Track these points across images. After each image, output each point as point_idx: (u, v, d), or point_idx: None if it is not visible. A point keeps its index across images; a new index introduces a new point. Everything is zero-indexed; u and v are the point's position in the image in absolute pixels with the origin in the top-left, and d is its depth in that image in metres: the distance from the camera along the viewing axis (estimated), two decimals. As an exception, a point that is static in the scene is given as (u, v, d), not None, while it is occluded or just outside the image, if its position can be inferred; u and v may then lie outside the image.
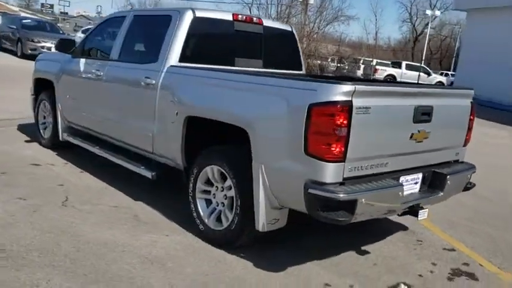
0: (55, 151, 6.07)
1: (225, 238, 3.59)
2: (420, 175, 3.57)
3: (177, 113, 3.93)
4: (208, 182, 3.79)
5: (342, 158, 2.91)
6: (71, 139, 5.69)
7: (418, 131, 3.40)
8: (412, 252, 3.98)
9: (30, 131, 6.92)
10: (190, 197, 3.88)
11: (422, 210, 3.43)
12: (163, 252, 3.52)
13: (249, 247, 3.60)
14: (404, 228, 4.48)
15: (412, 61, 44.08)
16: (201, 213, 3.80)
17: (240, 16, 4.67)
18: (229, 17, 4.60)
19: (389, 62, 36.19)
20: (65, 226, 3.81)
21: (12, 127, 7.24)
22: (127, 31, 4.84)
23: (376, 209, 3.08)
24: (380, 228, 4.39)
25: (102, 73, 4.92)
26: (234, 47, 4.71)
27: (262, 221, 3.28)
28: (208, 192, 3.81)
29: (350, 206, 2.90)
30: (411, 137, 3.36)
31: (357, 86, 2.88)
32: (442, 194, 3.62)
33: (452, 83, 30.92)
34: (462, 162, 4.06)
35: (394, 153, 3.30)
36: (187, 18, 4.25)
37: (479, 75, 19.61)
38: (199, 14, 4.32)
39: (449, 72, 39.74)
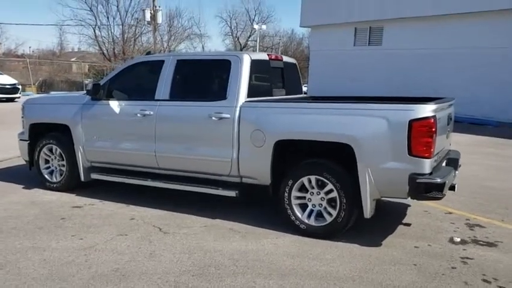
0: (72, 193, 6.20)
1: (331, 230, 4.64)
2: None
3: (264, 139, 4.82)
4: (302, 190, 4.78)
5: (432, 155, 4.27)
6: (103, 177, 5.95)
7: (448, 130, 4.97)
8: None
9: (15, 177, 6.88)
10: (286, 205, 4.82)
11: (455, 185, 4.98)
12: (293, 249, 4.41)
13: (345, 234, 4.71)
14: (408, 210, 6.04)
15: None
16: (299, 216, 4.78)
17: (272, 55, 5.71)
18: (267, 57, 5.62)
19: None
20: (195, 246, 4.41)
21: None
22: (174, 74, 5.46)
23: (447, 186, 4.50)
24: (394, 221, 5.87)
25: (152, 112, 5.43)
26: (271, 80, 5.74)
27: (369, 210, 4.45)
28: (302, 198, 4.80)
29: (441, 186, 4.27)
30: (447, 136, 4.91)
31: (437, 105, 4.29)
32: (457, 172, 5.24)
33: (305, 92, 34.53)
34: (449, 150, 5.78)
35: (441, 148, 4.79)
36: (247, 61, 5.15)
37: (328, 85, 22.72)
38: (253, 57, 5.25)
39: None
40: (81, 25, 40.98)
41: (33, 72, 34.14)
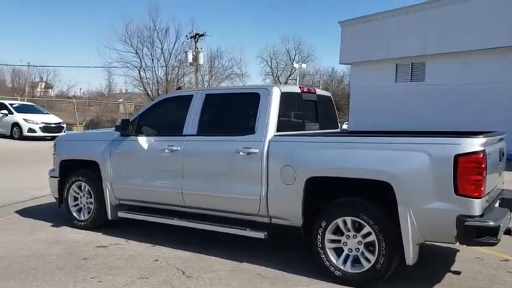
0: (99, 231, 6.01)
1: (369, 277, 4.17)
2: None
3: (295, 176, 4.49)
4: (337, 232, 4.37)
5: (483, 195, 3.79)
6: (129, 215, 5.75)
7: (500, 167, 4.46)
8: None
9: (45, 214, 6.79)
10: (319, 249, 4.40)
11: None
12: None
13: (385, 282, 4.23)
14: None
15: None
16: (334, 261, 4.34)
17: (304, 88, 5.44)
18: (298, 90, 5.35)
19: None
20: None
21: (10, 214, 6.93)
22: (202, 108, 5.27)
23: (501, 230, 3.98)
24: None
25: (179, 148, 5.23)
26: (303, 114, 5.44)
27: (411, 256, 3.97)
28: (337, 241, 4.38)
29: (495, 230, 3.76)
30: (499, 173, 4.40)
31: (486, 138, 3.84)
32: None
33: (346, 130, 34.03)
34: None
35: (493, 187, 4.29)
36: (276, 94, 4.90)
37: (368, 122, 22.18)
38: (283, 89, 5.00)
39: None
40: (127, 67, 42.45)
41: (82, 112, 35.57)
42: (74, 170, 6.28)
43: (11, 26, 71.26)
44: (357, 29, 23.28)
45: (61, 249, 5.30)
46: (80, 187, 6.23)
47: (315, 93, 5.66)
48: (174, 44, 43.33)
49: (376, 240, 4.13)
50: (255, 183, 4.73)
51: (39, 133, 18.38)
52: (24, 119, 19.00)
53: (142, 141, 5.56)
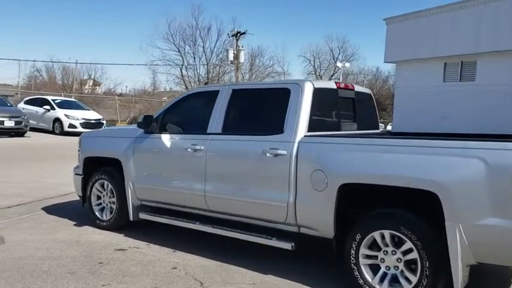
0: (120, 233, 5.73)
1: (409, 301, 3.63)
2: None
3: (327, 182, 3.99)
4: (373, 247, 3.85)
5: (550, 209, 3.18)
6: (150, 217, 5.42)
7: None
8: None
9: (70, 212, 6.56)
10: (352, 264, 3.89)
11: None
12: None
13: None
14: None
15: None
16: (369, 279, 3.82)
17: (341, 84, 4.92)
18: (334, 86, 4.84)
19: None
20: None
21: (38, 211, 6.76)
22: (228, 105, 4.86)
23: None
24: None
25: (202, 147, 4.84)
26: (339, 113, 4.93)
27: (460, 279, 3.40)
28: (373, 257, 3.86)
29: None
30: None
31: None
32: None
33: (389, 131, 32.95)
34: None
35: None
36: (309, 89, 4.42)
37: (413, 123, 21.16)
38: (316, 85, 4.51)
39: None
40: (169, 65, 42.84)
41: (127, 109, 36.20)
42: (97, 168, 6.03)
43: (61, 25, 73.69)
44: (403, 26, 22.25)
45: (78, 251, 5.02)
46: (102, 186, 5.97)
47: (353, 89, 5.13)
48: (216, 42, 43.47)
49: (418, 259, 3.58)
50: (283, 189, 4.27)
51: (80, 129, 18.60)
52: (65, 115, 19.33)
53: (166, 139, 5.22)
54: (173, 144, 5.16)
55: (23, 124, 17.83)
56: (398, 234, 3.68)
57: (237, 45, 36.06)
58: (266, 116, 4.72)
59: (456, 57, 22.28)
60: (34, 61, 56.82)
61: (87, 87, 55.62)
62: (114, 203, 5.82)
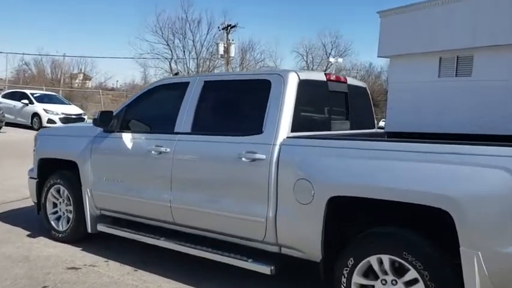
0: (78, 246, 4.98)
1: None
2: None
3: (313, 193, 3.28)
4: (368, 275, 3.14)
5: None
6: (109, 230, 4.68)
7: None
8: None
9: (28, 220, 5.79)
10: (343, 295, 3.19)
11: None
12: None
13: None
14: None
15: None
16: (363, 314, 3.12)
17: (332, 75, 4.20)
18: (323, 77, 4.11)
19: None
20: None
21: None
22: (199, 99, 4.12)
23: None
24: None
25: (168, 149, 4.11)
26: (329, 109, 4.21)
27: (478, 318, 2.71)
28: (368, 287, 3.15)
29: None
30: None
31: None
32: None
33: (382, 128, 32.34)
34: None
35: None
36: (293, 81, 3.69)
37: (408, 120, 20.50)
38: (302, 76, 3.78)
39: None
40: (158, 58, 41.83)
41: (118, 104, 35.39)
42: (54, 171, 5.27)
43: (51, 18, 72.28)
44: (397, 19, 21.56)
45: (24, 270, 4.27)
46: (59, 191, 5.20)
47: (345, 82, 4.40)
48: (206, 36, 42.51)
49: (425, 291, 2.88)
50: (261, 201, 3.55)
51: (59, 124, 17.73)
52: (44, 109, 18.44)
53: (127, 139, 4.47)
54: (135, 145, 4.41)
55: (-3, 119, 16.95)
56: (399, 260, 2.97)
57: (227, 38, 35.17)
58: (243, 112, 3.98)
59: (452, 51, 21.49)
60: (22, 54, 55.59)
61: (77, 81, 54.61)
62: (71, 211, 5.06)
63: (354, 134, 4.25)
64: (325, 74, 4.14)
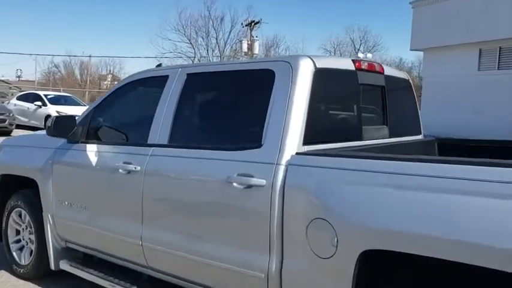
0: (42, 283, 3.95)
1: None
2: None
3: (336, 242, 2.12)
4: None
5: None
6: (72, 270, 3.62)
7: None
8: None
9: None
10: None
11: None
12: None
13: None
14: None
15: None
16: None
17: (363, 63, 3.00)
18: (351, 65, 2.92)
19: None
20: None
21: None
22: (179, 99, 3.00)
23: None
24: None
25: (138, 167, 3.01)
26: (360, 110, 3.01)
27: None
28: None
29: None
30: None
31: None
32: None
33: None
34: None
35: None
36: (306, 71, 2.53)
37: (444, 118, 18.96)
38: (320, 63, 2.60)
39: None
40: (180, 57, 41.04)
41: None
42: (16, 190, 4.25)
43: (77, 19, 72.79)
44: (432, 9, 20.01)
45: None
46: (20, 215, 4.18)
47: (382, 73, 3.19)
48: (230, 33, 41.53)
49: None
50: (260, 247, 2.41)
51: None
52: (57, 111, 17.72)
53: (91, 152, 3.40)
54: (100, 160, 3.33)
55: (7, 122, 16.24)
56: None
57: (251, 35, 34.11)
58: (236, 117, 2.82)
59: (493, 42, 19.80)
60: (51, 55, 56.28)
61: (106, 82, 54.80)
62: (33, 241, 4.04)
63: (396, 144, 3.04)
64: (353, 60, 2.94)
